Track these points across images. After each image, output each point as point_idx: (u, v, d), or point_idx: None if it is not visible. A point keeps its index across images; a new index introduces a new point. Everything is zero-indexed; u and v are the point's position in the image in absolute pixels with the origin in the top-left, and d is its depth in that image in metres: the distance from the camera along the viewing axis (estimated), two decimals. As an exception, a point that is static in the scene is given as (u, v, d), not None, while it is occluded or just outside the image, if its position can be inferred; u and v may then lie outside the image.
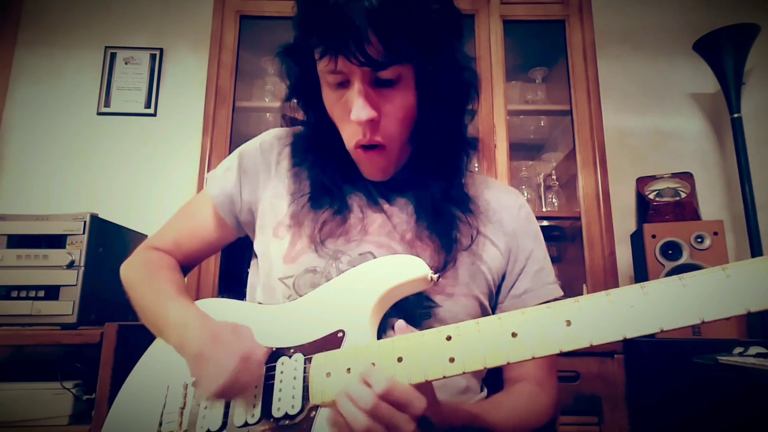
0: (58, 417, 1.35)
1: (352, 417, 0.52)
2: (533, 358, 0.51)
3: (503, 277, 0.81)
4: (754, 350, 1.29)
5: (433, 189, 0.76)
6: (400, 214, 0.78)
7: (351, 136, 0.71)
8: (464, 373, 0.53)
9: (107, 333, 1.31)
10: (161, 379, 0.71)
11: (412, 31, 0.63)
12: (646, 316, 0.48)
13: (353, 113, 0.66)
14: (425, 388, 0.56)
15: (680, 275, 0.49)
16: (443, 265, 0.74)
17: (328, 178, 0.77)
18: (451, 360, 0.54)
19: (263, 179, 0.83)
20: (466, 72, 0.74)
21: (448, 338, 0.55)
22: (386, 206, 0.79)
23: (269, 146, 0.85)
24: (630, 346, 1.59)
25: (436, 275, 0.68)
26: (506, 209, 0.84)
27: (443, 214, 0.76)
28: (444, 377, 0.54)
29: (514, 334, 0.52)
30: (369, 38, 0.61)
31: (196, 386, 0.65)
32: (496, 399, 0.75)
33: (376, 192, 0.80)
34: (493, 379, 0.84)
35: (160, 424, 0.67)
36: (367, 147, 0.72)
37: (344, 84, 0.68)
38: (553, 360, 0.81)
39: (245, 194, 0.83)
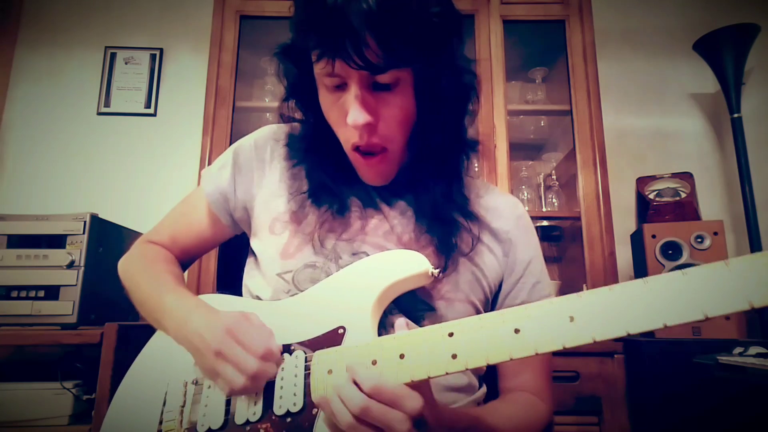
0: (58, 417, 1.35)
1: (340, 416, 0.53)
2: (536, 354, 0.51)
3: (500, 286, 0.81)
4: (754, 350, 1.29)
5: (434, 191, 0.75)
6: (399, 218, 0.78)
7: (348, 139, 0.70)
8: (467, 369, 0.53)
9: (107, 333, 1.31)
10: (160, 377, 0.71)
11: (411, 35, 0.61)
12: (649, 311, 0.47)
13: (349, 117, 0.65)
14: (422, 389, 0.55)
15: (683, 270, 0.48)
16: (442, 268, 0.73)
17: (328, 178, 0.77)
18: (454, 356, 0.53)
19: (258, 176, 0.83)
20: (465, 74, 0.73)
21: (451, 334, 0.55)
22: (385, 209, 0.78)
23: (264, 143, 0.85)
24: (630, 346, 1.59)
25: (437, 270, 0.68)
26: (505, 218, 0.83)
27: (443, 218, 0.75)
28: (446, 374, 0.54)
29: (516, 330, 0.52)
30: (367, 41, 0.59)
31: (215, 381, 0.65)
32: (493, 405, 0.75)
33: (375, 194, 0.79)
34: (492, 376, 0.85)
35: (160, 423, 0.67)
36: (366, 153, 0.71)
37: (342, 87, 0.66)
38: (549, 370, 0.81)
39: (240, 192, 0.83)
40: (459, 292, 0.75)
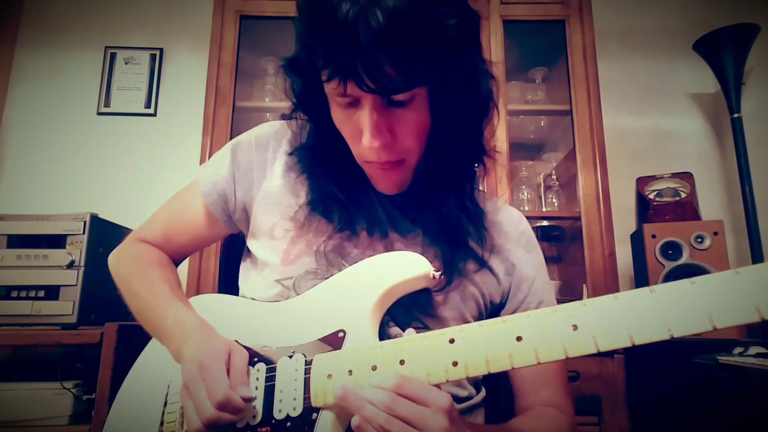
0: (58, 417, 1.35)
1: (376, 417, 0.51)
2: (538, 363, 0.50)
3: (503, 305, 0.79)
4: (754, 350, 1.29)
5: (449, 205, 0.73)
6: (407, 233, 0.75)
7: (363, 155, 0.68)
8: (467, 377, 0.53)
9: (107, 333, 1.31)
10: (161, 378, 0.71)
11: (426, 52, 0.56)
12: (655, 321, 0.46)
13: (365, 140, 0.63)
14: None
15: (691, 279, 0.46)
16: (444, 285, 0.72)
17: (335, 188, 0.74)
18: (454, 364, 0.53)
19: (258, 177, 0.79)
20: (484, 81, 0.69)
21: (451, 341, 0.54)
22: (392, 223, 0.75)
23: (265, 141, 0.81)
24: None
25: (438, 273, 0.66)
26: (507, 235, 0.81)
27: (452, 237, 0.73)
28: (447, 381, 0.53)
29: (519, 338, 0.51)
30: (379, 62, 0.55)
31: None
32: (516, 421, 0.72)
33: (382, 207, 0.75)
34: (492, 382, 0.84)
35: (162, 423, 0.67)
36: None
37: (354, 103, 0.63)
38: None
39: (239, 192, 0.80)
40: (455, 311, 0.73)
